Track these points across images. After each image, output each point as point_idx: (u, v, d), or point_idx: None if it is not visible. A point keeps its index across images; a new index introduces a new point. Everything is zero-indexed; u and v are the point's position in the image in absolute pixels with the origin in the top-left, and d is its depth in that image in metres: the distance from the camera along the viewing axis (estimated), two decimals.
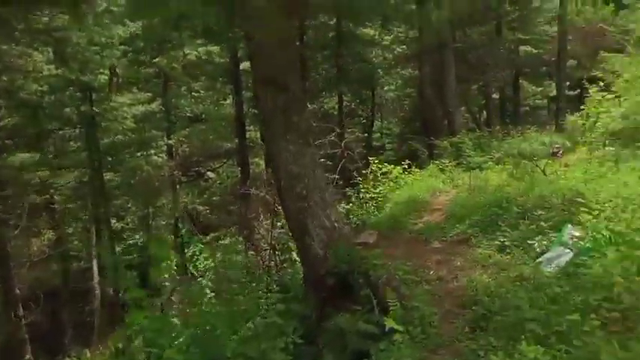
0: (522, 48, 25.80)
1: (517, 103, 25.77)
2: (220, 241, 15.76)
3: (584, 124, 11.14)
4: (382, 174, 12.47)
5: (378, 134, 31.17)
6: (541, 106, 30.76)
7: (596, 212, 5.53)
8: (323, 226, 6.92)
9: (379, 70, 23.87)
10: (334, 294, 6.14)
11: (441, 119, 22.55)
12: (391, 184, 12.22)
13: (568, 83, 24.71)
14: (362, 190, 11.91)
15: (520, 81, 25.96)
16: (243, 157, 19.77)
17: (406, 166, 12.71)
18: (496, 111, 27.35)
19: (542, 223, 5.96)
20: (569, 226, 5.36)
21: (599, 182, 7.15)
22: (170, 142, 22.44)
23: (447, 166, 12.31)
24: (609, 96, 10.75)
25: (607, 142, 9.73)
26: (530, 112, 30.13)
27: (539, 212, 6.32)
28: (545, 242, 5.63)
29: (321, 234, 6.87)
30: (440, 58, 20.34)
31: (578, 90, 27.35)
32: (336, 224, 7.07)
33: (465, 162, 13.92)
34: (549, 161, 8.46)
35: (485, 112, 28.12)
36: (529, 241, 5.81)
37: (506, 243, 6.02)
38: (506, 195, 7.69)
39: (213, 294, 9.11)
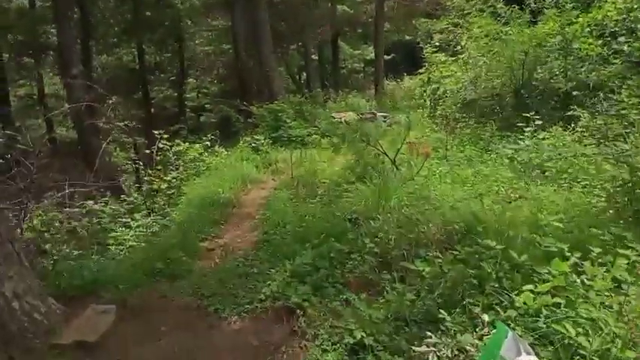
0: (339, 7, 23.43)
1: (336, 66, 23.51)
2: None
3: (424, 90, 8.62)
4: (175, 154, 8.59)
5: (194, 94, 26.56)
6: (358, 70, 29.22)
7: (542, 279, 2.64)
8: None
9: (186, 20, 19.24)
10: None
11: (259, 80, 19.16)
12: (189, 169, 8.45)
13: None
14: (146, 180, 7.96)
15: (339, 42, 23.68)
16: None
17: (208, 143, 8.98)
18: (315, 73, 24.92)
19: (436, 299, 2.85)
20: (509, 332, 2.32)
21: (490, 189, 4.40)
22: None
23: (263, 143, 8.89)
24: (453, 58, 8.36)
25: (459, 116, 7.26)
26: (347, 75, 28.41)
27: (418, 263, 3.23)
28: (447, 351, 2.54)
29: None
30: (253, 10, 16.65)
31: (392, 55, 26.30)
32: (15, 303, 3.15)
33: (285, 135, 10.73)
34: (403, 145, 5.51)
35: (305, 74, 25.50)
36: (413, 347, 2.67)
37: (368, 341, 2.81)
38: (349, 207, 4.56)
39: None
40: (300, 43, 23.21)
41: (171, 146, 8.41)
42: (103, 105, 18.64)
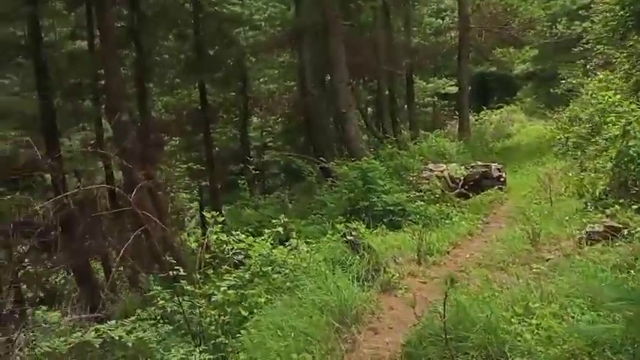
0: (414, 40, 20.27)
1: (410, 100, 20.12)
2: None
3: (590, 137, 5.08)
4: (234, 249, 5.49)
5: (257, 133, 23.99)
6: (428, 104, 25.69)
7: None
8: None
9: (249, 56, 16.70)
10: None
11: (328, 118, 16.27)
12: (256, 275, 5.29)
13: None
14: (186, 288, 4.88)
15: (412, 75, 20.34)
16: None
17: (281, 229, 5.78)
18: (386, 108, 21.58)
19: None
20: None
21: None
22: None
23: (363, 233, 5.56)
24: None
25: None
26: (419, 110, 24.95)
27: None
28: None
29: None
30: (323, 43, 13.77)
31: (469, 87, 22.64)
32: None
33: (379, 204, 7.50)
34: None
35: (374, 110, 22.28)
36: None
37: None
38: None
39: None
40: (366, 78, 20.20)
41: (224, 240, 5.32)
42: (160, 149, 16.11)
